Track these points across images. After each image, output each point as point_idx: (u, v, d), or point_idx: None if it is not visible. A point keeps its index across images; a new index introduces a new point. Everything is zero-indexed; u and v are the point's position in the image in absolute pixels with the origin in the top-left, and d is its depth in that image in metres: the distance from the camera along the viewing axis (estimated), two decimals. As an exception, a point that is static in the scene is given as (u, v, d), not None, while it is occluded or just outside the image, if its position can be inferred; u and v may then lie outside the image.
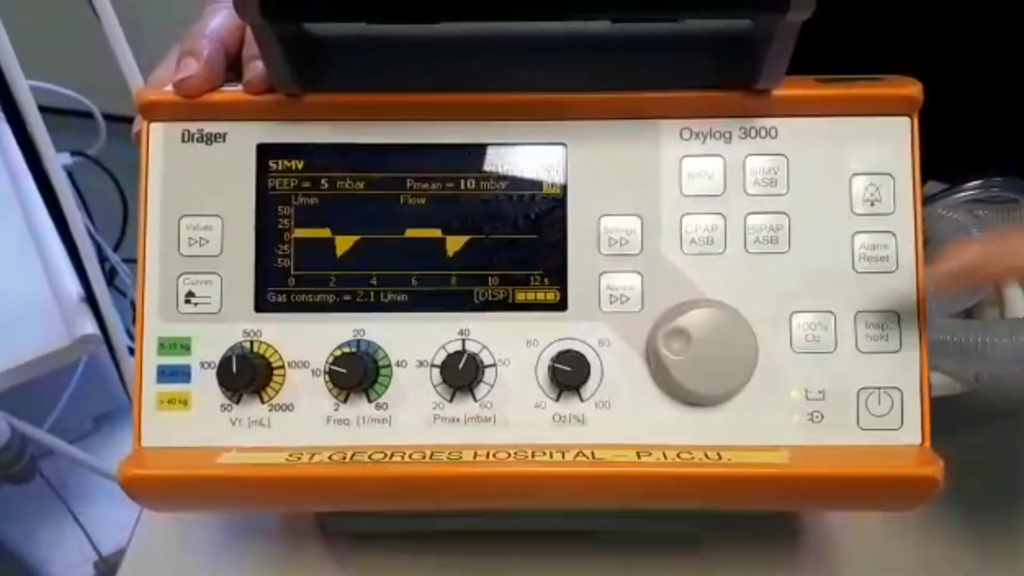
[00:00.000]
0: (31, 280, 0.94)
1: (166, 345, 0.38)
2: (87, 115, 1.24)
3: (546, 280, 0.39)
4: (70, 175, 1.08)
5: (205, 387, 0.38)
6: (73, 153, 1.19)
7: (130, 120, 0.40)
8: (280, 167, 0.39)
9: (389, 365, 0.38)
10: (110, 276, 1.20)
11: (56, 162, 0.91)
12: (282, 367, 0.38)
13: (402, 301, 0.39)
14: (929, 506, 0.37)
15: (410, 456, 0.37)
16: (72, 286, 0.93)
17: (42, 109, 0.90)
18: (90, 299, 0.92)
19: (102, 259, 1.12)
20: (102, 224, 1.24)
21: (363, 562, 0.48)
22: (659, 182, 0.39)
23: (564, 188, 0.39)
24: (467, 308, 0.39)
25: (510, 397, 0.38)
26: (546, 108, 0.38)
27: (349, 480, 0.37)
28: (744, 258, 0.38)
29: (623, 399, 0.38)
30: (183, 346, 0.38)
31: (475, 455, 0.37)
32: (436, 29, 0.37)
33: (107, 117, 1.26)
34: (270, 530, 0.49)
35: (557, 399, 0.38)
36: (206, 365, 0.38)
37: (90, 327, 0.91)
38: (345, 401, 0.38)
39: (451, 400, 0.38)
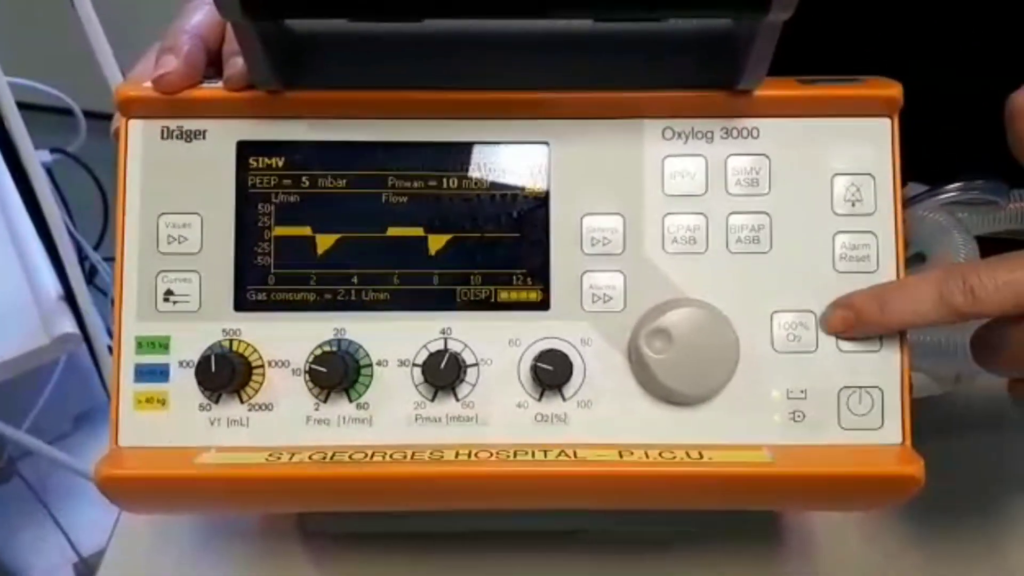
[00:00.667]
0: (9, 278, 0.93)
1: (144, 344, 0.38)
2: (67, 112, 1.23)
3: (528, 279, 0.38)
4: (50, 172, 1.07)
5: (183, 386, 0.38)
6: (53, 150, 1.18)
7: (111, 117, 0.40)
8: (260, 164, 0.39)
9: (370, 364, 0.38)
10: (90, 274, 1.19)
11: (35, 159, 0.90)
12: (262, 366, 0.38)
13: (383, 300, 0.38)
14: (911, 506, 0.37)
15: (391, 456, 0.36)
16: (51, 284, 0.92)
17: (21, 106, 0.90)
18: (69, 298, 0.91)
19: (82, 257, 1.11)
20: (82, 222, 1.23)
21: (344, 563, 0.47)
22: (641, 181, 0.39)
23: (547, 187, 0.39)
24: (449, 307, 0.38)
25: (492, 397, 0.38)
26: (529, 106, 0.38)
27: (329, 480, 0.36)
28: (726, 258, 0.38)
29: (605, 398, 0.38)
30: (161, 345, 0.38)
31: (457, 455, 0.36)
32: (419, 26, 0.37)
33: (88, 114, 1.25)
34: (250, 531, 0.49)
35: (539, 398, 0.38)
36: (184, 364, 0.38)
37: (69, 326, 0.90)
38: (325, 401, 0.38)
39: (433, 400, 0.38)
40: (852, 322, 0.37)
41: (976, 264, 0.35)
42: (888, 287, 0.37)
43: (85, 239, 1.20)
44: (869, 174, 0.38)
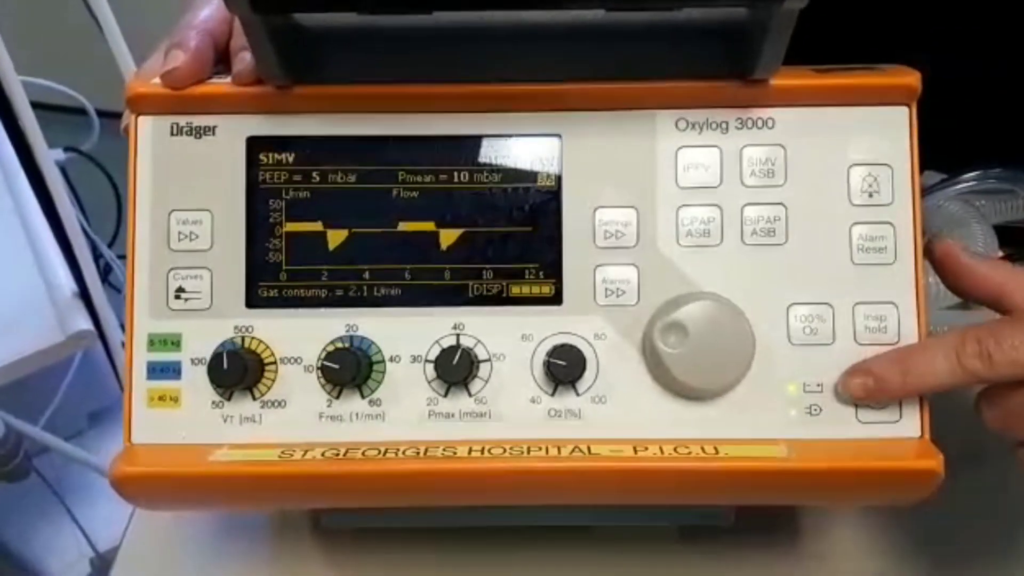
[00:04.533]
0: (24, 276, 0.93)
1: (156, 341, 0.38)
2: (80, 111, 1.24)
3: (541, 274, 0.38)
4: (63, 171, 1.07)
5: (196, 384, 0.38)
6: (66, 149, 1.18)
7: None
8: (270, 160, 0.38)
9: (382, 360, 0.38)
10: (104, 272, 1.19)
11: (49, 158, 0.91)
12: (274, 363, 0.38)
13: (395, 295, 0.38)
14: (926, 504, 0.37)
15: (404, 452, 0.36)
16: (66, 282, 0.92)
17: (35, 105, 0.90)
18: (84, 295, 0.92)
19: (96, 255, 1.12)
20: (96, 220, 1.23)
21: (356, 559, 0.47)
22: (655, 173, 0.38)
23: (559, 180, 0.38)
24: (461, 302, 0.38)
25: (505, 392, 0.38)
26: (540, 99, 0.38)
27: (343, 477, 0.36)
28: (741, 250, 0.38)
29: (619, 393, 0.38)
30: (173, 342, 0.38)
31: (470, 451, 0.36)
32: (429, 19, 0.37)
33: (101, 113, 1.25)
34: (264, 527, 0.49)
35: (552, 394, 0.38)
36: (197, 361, 0.38)
37: (84, 323, 0.90)
38: (338, 397, 0.38)
39: (445, 395, 0.38)
40: (873, 389, 0.36)
41: (992, 327, 0.35)
42: (906, 353, 0.37)
43: (99, 237, 1.20)
44: (887, 164, 0.38)
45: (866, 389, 0.36)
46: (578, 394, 0.38)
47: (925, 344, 0.37)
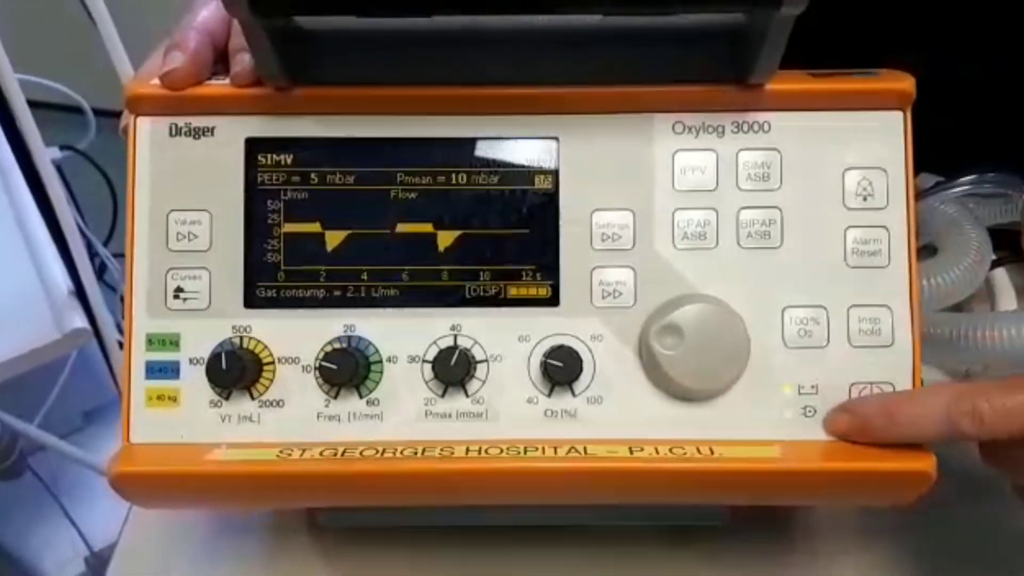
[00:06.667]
0: (20, 275, 0.93)
1: (154, 341, 0.38)
2: (77, 110, 1.24)
3: (538, 275, 0.38)
4: (59, 169, 1.07)
5: (194, 383, 0.38)
6: (62, 147, 1.18)
7: (120, 114, 0.40)
8: (269, 161, 0.38)
9: (380, 361, 0.38)
10: (100, 271, 1.19)
11: (45, 156, 0.90)
12: (272, 363, 0.38)
13: (393, 296, 0.38)
14: (912, 511, 0.37)
15: (401, 452, 0.36)
16: (62, 280, 0.92)
17: (31, 104, 0.90)
18: (80, 293, 0.92)
19: (92, 254, 1.12)
20: (92, 219, 1.23)
21: (353, 558, 0.47)
22: (652, 176, 0.38)
23: (556, 182, 0.38)
24: (459, 303, 0.38)
25: (502, 393, 0.38)
26: (538, 102, 0.38)
27: (340, 476, 0.36)
28: (737, 253, 0.38)
29: (615, 394, 0.38)
30: (172, 342, 0.38)
31: (467, 451, 0.36)
32: (428, 23, 0.37)
33: (97, 112, 1.25)
34: (261, 525, 0.49)
35: (549, 394, 0.38)
36: (195, 361, 0.38)
37: (80, 321, 0.90)
38: (336, 397, 0.38)
39: (443, 396, 0.38)
40: (858, 429, 0.37)
41: (987, 388, 0.34)
42: (897, 400, 0.37)
43: (95, 235, 1.20)
44: (881, 168, 0.38)
45: (850, 427, 0.37)
46: (574, 395, 0.38)
47: (917, 394, 0.37)
